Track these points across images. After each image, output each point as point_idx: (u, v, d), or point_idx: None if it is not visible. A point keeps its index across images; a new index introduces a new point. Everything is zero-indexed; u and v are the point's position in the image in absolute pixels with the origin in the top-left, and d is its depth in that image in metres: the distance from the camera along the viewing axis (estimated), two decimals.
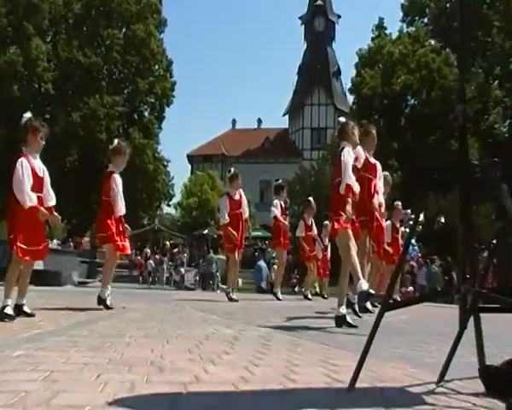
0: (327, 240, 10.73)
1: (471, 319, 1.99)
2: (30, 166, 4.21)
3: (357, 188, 4.74)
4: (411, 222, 9.51)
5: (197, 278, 23.49)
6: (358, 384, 1.95)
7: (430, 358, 2.96)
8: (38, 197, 4.25)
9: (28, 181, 4.14)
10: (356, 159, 5.02)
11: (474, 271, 2.02)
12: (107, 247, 5.38)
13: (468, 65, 30.67)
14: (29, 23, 32.48)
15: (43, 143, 4.36)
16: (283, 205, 9.26)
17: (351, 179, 4.61)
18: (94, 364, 2.32)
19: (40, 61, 32.27)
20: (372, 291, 4.55)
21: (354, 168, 4.90)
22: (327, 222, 10.52)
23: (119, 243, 5.21)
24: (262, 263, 19.34)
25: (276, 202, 9.17)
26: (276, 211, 8.98)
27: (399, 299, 7.30)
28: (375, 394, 2.00)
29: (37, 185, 4.28)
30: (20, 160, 4.21)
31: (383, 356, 2.74)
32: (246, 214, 8.04)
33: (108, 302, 5.25)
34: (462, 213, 2.06)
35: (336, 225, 4.50)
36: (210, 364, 2.42)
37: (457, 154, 2.05)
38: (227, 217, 7.76)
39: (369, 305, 5.44)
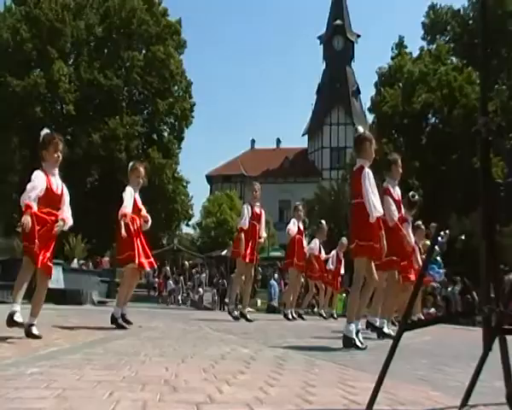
0: (342, 254, 10.77)
1: (496, 342, 1.91)
2: (46, 180, 4.13)
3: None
4: (441, 237, 9.42)
5: (216, 298, 23.43)
6: (376, 407, 1.89)
7: (453, 381, 2.86)
8: (50, 213, 4.13)
9: (35, 190, 4.03)
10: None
11: (498, 291, 1.95)
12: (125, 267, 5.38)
13: (490, 81, 30.47)
14: (52, 47, 33.27)
15: (61, 157, 4.28)
16: (301, 225, 9.23)
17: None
18: (107, 381, 2.30)
19: (62, 83, 32.96)
20: (358, 344, 4.38)
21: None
22: (344, 238, 10.61)
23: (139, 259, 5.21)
24: (273, 282, 19.29)
25: (292, 220, 9.17)
26: (293, 228, 8.96)
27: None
28: None
29: (53, 201, 4.17)
30: (36, 171, 4.17)
31: (403, 378, 2.67)
32: (262, 232, 7.98)
33: (120, 321, 5.21)
34: (485, 232, 2.00)
35: (365, 251, 4.43)
36: (225, 384, 2.38)
37: (480, 170, 2.00)
38: (247, 223, 7.70)
39: (386, 329, 5.35)
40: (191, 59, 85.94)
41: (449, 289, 15.17)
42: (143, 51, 36.62)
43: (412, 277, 6.07)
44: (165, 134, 37.40)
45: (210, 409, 1.90)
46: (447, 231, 10.61)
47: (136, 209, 5.43)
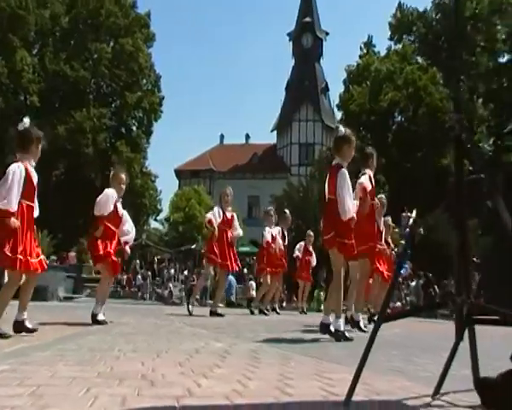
0: (310, 247, 10.93)
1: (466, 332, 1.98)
2: (27, 174, 4.04)
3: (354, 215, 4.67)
4: (411, 221, 9.60)
5: (183, 293, 23.30)
6: (355, 398, 1.92)
7: (424, 371, 2.93)
8: (30, 206, 4.06)
9: (18, 187, 3.93)
10: (364, 188, 5.09)
11: (468, 283, 2.02)
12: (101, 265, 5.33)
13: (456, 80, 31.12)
14: (14, 35, 32.37)
15: (40, 152, 4.27)
16: (276, 232, 9.38)
17: (354, 208, 4.60)
18: (83, 378, 2.26)
19: (25, 73, 32.14)
20: (347, 334, 4.46)
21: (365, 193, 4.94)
22: (310, 231, 10.86)
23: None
24: (230, 277, 19.47)
25: (266, 228, 9.32)
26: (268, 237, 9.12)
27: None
28: (372, 407, 1.96)
29: (32, 194, 4.10)
30: (17, 164, 4.03)
31: (377, 369, 2.71)
32: (237, 232, 8.00)
33: (100, 318, 5.21)
34: (457, 226, 2.06)
35: (339, 248, 4.48)
36: (202, 377, 2.37)
37: (454, 165, 2.05)
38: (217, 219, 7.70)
39: (362, 324, 5.45)
40: (160, 52, 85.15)
41: (413, 283, 15.51)
42: (111, 44, 36.03)
43: (381, 267, 6.18)
44: (134, 128, 36.96)
45: (190, 402, 1.89)
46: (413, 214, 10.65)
47: (116, 218, 5.45)
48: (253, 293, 21.70)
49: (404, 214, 10.43)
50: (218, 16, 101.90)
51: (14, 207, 3.88)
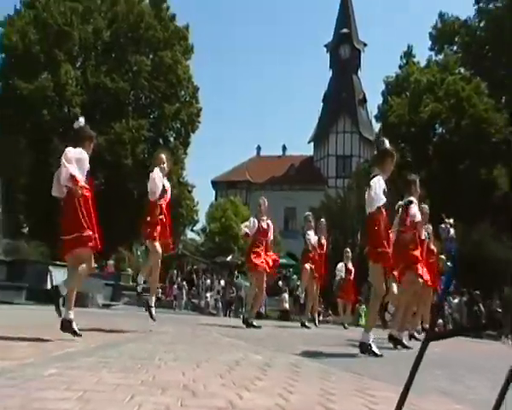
0: (350, 264, 10.77)
1: None
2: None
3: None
4: (451, 231, 9.37)
5: (220, 304, 23.39)
6: None
7: (474, 394, 2.83)
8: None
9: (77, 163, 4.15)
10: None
11: None
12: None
13: (500, 94, 30.26)
14: (60, 50, 33.43)
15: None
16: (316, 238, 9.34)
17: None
18: (126, 385, 2.29)
19: (69, 86, 33.09)
20: (374, 348, 4.38)
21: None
22: (347, 249, 10.76)
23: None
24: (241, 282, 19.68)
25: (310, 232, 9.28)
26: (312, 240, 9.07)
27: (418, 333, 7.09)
28: None
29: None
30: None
31: (422, 389, 2.63)
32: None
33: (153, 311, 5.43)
34: None
35: (375, 258, 4.44)
36: (244, 390, 2.36)
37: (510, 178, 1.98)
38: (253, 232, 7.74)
39: (405, 341, 5.35)
40: (198, 64, 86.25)
41: (456, 300, 15.10)
42: (151, 56, 36.73)
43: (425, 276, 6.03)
44: (172, 139, 37.44)
45: None
46: (451, 221, 10.31)
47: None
48: (286, 305, 21.64)
49: (443, 226, 10.09)
50: (255, 28, 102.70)
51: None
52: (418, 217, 5.56)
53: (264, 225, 7.89)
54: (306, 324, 9.10)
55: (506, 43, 29.90)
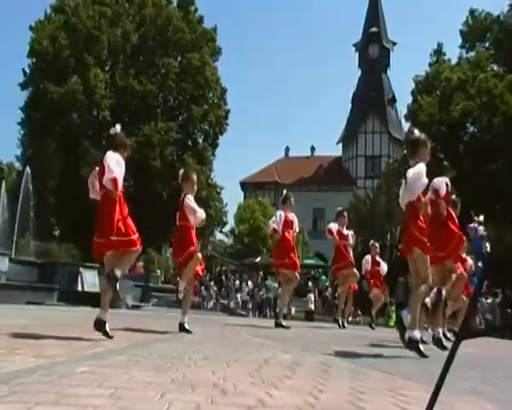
0: (377, 256, 10.56)
1: None
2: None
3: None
4: (481, 230, 9.16)
5: (249, 305, 23.45)
6: None
7: (504, 394, 2.78)
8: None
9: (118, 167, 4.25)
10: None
11: None
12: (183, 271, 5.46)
13: None
14: (89, 54, 34.04)
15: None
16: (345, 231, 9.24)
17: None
18: (157, 383, 2.31)
19: (98, 90, 33.64)
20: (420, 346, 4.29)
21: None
22: (373, 241, 10.61)
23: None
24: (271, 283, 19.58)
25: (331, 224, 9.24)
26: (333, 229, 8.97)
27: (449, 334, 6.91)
28: None
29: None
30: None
31: (454, 389, 2.59)
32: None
33: (187, 326, 5.38)
34: None
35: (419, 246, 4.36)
36: (273, 388, 2.36)
37: None
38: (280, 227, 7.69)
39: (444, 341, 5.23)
40: (226, 65, 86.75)
41: (489, 300, 14.81)
42: (179, 58, 37.06)
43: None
44: (200, 141, 37.70)
45: None
46: (481, 219, 10.02)
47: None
48: (312, 306, 21.58)
49: (471, 226, 9.84)
50: (283, 28, 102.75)
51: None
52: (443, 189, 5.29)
53: (290, 217, 7.85)
54: (344, 324, 9.11)
55: None
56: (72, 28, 34.24)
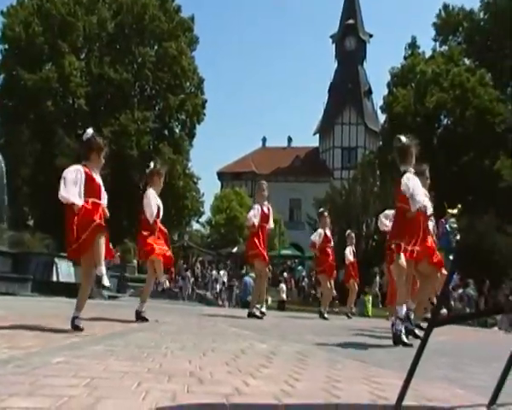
0: (353, 247, 10.66)
1: None
2: (86, 174, 4.22)
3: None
4: (451, 225, 9.31)
5: (225, 295, 23.49)
6: (405, 402, 1.88)
7: (476, 380, 2.85)
8: (96, 203, 4.28)
9: (75, 185, 4.11)
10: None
11: None
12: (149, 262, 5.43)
13: (504, 85, 30.18)
14: (64, 41, 33.44)
15: (103, 160, 4.46)
16: (328, 232, 9.34)
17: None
18: (134, 373, 2.31)
19: (73, 78, 33.12)
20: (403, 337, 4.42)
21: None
22: (349, 231, 10.73)
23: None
24: (247, 278, 19.54)
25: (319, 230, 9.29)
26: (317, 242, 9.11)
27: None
28: None
29: (96, 193, 4.32)
30: (77, 166, 4.23)
31: (426, 376, 2.65)
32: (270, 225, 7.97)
33: (144, 315, 5.36)
34: None
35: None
36: (250, 377, 2.38)
37: None
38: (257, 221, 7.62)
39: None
40: (203, 55, 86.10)
41: (460, 290, 15.11)
42: (155, 47, 36.69)
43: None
44: (177, 130, 37.46)
45: (239, 401, 1.90)
46: (455, 211, 10.19)
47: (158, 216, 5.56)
48: (284, 296, 21.77)
49: (442, 220, 10.05)
50: (261, 19, 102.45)
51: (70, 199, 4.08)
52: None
53: (266, 210, 7.79)
54: (325, 315, 9.21)
55: (509, 36, 29.72)
56: (46, 14, 33.57)
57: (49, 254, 18.91)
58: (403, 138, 4.80)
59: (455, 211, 10.02)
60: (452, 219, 9.57)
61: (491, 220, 22.36)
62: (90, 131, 4.41)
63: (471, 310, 14.17)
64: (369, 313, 17.33)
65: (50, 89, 32.80)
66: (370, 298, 18.74)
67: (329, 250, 9.32)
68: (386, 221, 6.25)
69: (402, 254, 4.45)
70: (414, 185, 4.58)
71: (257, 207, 7.79)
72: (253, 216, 7.68)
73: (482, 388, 2.33)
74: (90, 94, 34.04)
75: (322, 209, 10.07)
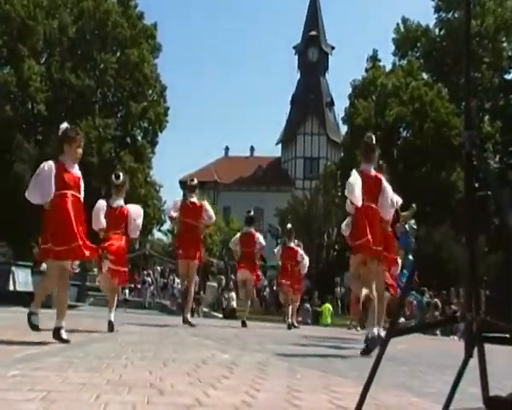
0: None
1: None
2: (59, 167, 4.12)
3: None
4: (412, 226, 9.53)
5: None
6: None
7: (431, 388, 2.93)
8: (75, 196, 4.20)
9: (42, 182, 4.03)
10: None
11: (478, 300, 2.01)
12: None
13: (459, 99, 31.19)
14: (23, 45, 32.71)
15: (81, 151, 4.32)
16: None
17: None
18: (92, 384, 2.28)
19: (33, 82, 32.38)
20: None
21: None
22: (289, 225, 10.73)
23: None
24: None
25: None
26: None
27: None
28: None
29: (72, 185, 4.19)
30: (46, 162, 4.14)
31: (384, 384, 2.71)
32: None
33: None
34: (469, 242, 2.05)
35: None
36: (210, 388, 2.38)
37: (465, 181, 2.05)
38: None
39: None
40: (166, 63, 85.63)
41: (415, 300, 15.40)
42: (117, 54, 36.29)
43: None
44: (139, 138, 37.07)
45: None
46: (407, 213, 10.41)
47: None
48: (234, 304, 21.78)
49: (398, 224, 10.26)
50: (223, 29, 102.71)
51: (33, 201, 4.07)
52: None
53: (198, 204, 7.38)
54: (295, 324, 9.37)
55: (461, 53, 30.81)
56: (5, 17, 32.74)
57: (6, 262, 18.38)
58: (373, 137, 4.95)
59: (407, 213, 10.22)
60: (413, 221, 9.80)
61: (447, 231, 22.97)
62: (63, 125, 4.29)
63: (426, 318, 14.51)
64: (328, 322, 17.48)
65: (9, 93, 31.98)
66: (330, 307, 18.93)
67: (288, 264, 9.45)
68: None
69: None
70: (354, 181, 4.58)
71: (177, 199, 7.58)
72: (172, 209, 7.40)
73: (437, 395, 2.40)
74: (51, 99, 33.35)
75: (289, 226, 10.28)
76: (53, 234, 4.00)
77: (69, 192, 4.12)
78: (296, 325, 9.43)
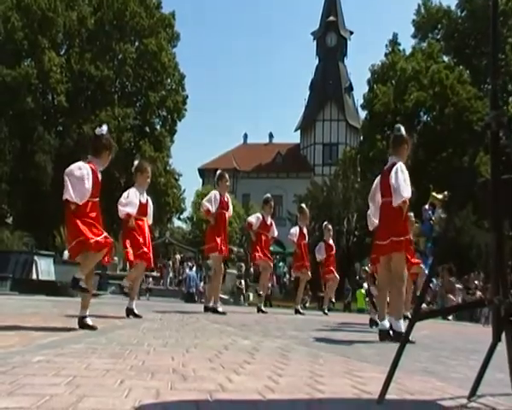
0: (331, 240, 10.39)
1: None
2: (93, 173, 4.11)
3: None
4: (432, 217, 9.41)
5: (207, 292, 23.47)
6: (388, 396, 1.90)
7: (456, 373, 2.89)
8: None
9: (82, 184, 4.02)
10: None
11: (505, 284, 1.96)
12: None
13: (481, 82, 30.59)
14: (44, 37, 32.98)
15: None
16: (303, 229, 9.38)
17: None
18: (116, 370, 2.29)
19: (53, 74, 32.69)
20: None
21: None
22: (327, 223, 10.45)
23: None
24: (190, 272, 21.45)
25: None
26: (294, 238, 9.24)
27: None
28: (406, 406, 1.94)
29: (97, 192, 4.17)
30: (81, 163, 4.13)
31: (408, 369, 2.68)
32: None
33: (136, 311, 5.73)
34: (495, 226, 1.99)
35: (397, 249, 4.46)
36: (233, 373, 2.38)
37: (491, 163, 2.00)
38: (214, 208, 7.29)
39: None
40: (184, 52, 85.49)
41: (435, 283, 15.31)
42: (136, 44, 36.41)
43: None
44: (158, 127, 37.25)
45: (223, 397, 1.90)
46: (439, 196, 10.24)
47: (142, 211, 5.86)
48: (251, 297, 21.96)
49: (425, 207, 10.19)
50: (242, 16, 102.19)
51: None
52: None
53: (226, 199, 7.53)
54: (300, 310, 9.32)
55: (484, 34, 30.13)
56: (26, 9, 33.07)
57: (29, 251, 18.69)
58: (402, 129, 4.72)
59: (440, 196, 10.09)
60: (441, 210, 9.68)
61: (468, 216, 22.67)
62: (104, 127, 4.32)
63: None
64: (364, 307, 17.07)
65: (30, 85, 32.36)
66: (363, 291, 18.58)
67: (303, 246, 9.35)
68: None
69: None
70: (404, 178, 4.44)
71: (214, 193, 7.42)
72: (208, 201, 7.33)
73: (463, 380, 2.37)
74: (71, 90, 33.66)
75: (302, 205, 10.11)
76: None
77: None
78: (301, 311, 9.35)
